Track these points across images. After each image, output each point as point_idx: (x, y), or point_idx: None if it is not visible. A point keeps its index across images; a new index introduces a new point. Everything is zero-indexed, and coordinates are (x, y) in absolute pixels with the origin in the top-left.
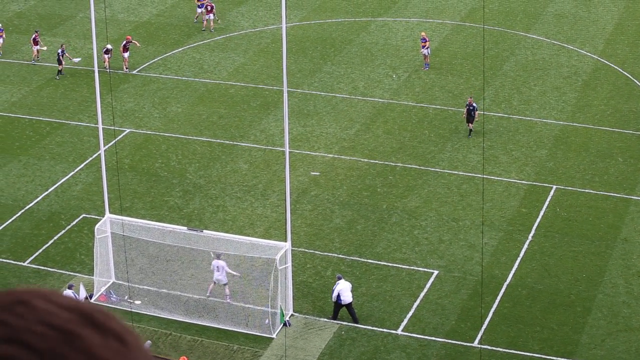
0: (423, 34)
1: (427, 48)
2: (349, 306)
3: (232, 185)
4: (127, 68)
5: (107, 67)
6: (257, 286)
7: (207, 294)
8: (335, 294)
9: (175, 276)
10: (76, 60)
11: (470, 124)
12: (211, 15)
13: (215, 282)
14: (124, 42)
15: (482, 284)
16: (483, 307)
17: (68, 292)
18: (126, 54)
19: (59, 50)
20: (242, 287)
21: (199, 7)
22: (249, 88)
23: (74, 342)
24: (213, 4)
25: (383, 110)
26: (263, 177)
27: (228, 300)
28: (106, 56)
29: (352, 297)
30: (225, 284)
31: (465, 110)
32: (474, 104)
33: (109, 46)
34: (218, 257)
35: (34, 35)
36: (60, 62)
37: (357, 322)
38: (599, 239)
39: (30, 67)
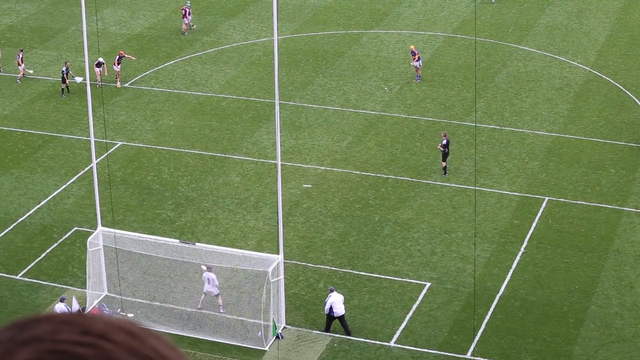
0: (412, 47)
1: (419, 60)
2: (341, 318)
3: (224, 197)
4: (119, 82)
5: (99, 81)
6: (249, 299)
7: (199, 306)
8: (327, 307)
9: (168, 289)
10: (78, 80)
11: (444, 162)
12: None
13: (205, 294)
14: (117, 56)
15: (475, 295)
16: (476, 318)
17: (60, 305)
18: (118, 68)
19: (64, 69)
20: (234, 300)
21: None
22: (240, 101)
23: None
24: (187, 8)
25: (375, 122)
26: (255, 189)
27: (221, 311)
28: (98, 69)
29: (345, 309)
30: (217, 295)
31: (440, 146)
32: (448, 139)
33: (100, 59)
34: (209, 269)
35: (19, 55)
36: (64, 81)
37: (349, 335)
38: (591, 251)
39: (22, 80)
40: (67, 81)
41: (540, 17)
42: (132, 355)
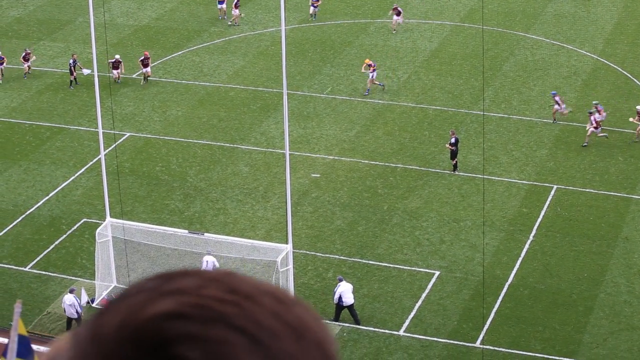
0: (368, 61)
1: (374, 71)
2: (350, 308)
3: (233, 188)
4: (145, 81)
5: (118, 79)
6: None
7: None
8: (336, 296)
9: None
10: (86, 72)
11: (455, 159)
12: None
13: None
14: (142, 57)
15: (484, 284)
16: (485, 307)
17: (69, 297)
18: (146, 69)
19: (71, 61)
20: None
21: (219, 2)
22: (248, 91)
23: (305, 339)
24: None
25: (383, 111)
26: (264, 179)
27: None
28: (115, 72)
29: (354, 298)
30: None
31: (449, 145)
32: (457, 137)
33: (117, 56)
34: (208, 252)
35: (24, 53)
36: (72, 73)
37: (358, 324)
38: (600, 238)
39: (30, 71)
40: (75, 73)
41: (547, 5)
42: (276, 320)
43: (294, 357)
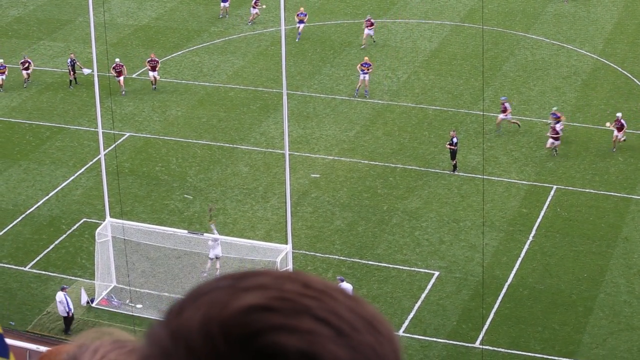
0: (366, 58)
1: (366, 73)
2: None
3: (233, 188)
4: (154, 86)
5: (122, 88)
6: None
7: (205, 274)
8: None
9: (177, 279)
10: (87, 71)
11: (453, 160)
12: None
13: (212, 259)
14: (149, 59)
15: (483, 284)
16: (484, 307)
17: (59, 294)
18: (154, 73)
19: (69, 60)
20: None
21: (222, 0)
22: (248, 91)
23: (379, 332)
24: None
25: (383, 111)
26: (263, 179)
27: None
28: (120, 79)
29: None
30: (218, 258)
31: (449, 145)
32: (456, 137)
33: (117, 60)
34: (215, 240)
35: (22, 60)
36: (71, 72)
37: None
38: (599, 239)
39: (30, 79)
40: (75, 73)
41: (547, 5)
42: (353, 314)
43: (373, 349)
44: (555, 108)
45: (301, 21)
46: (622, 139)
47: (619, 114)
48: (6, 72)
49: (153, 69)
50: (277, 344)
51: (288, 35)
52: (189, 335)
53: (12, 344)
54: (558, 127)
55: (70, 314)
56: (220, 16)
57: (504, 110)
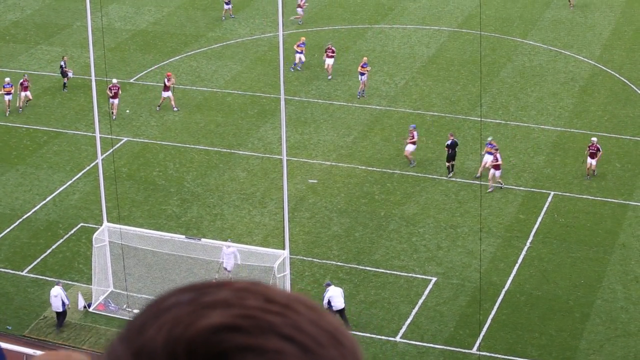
0: (365, 59)
1: (363, 74)
2: (341, 312)
3: (230, 193)
4: (175, 107)
5: (114, 113)
6: None
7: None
8: (325, 301)
9: (174, 285)
10: (70, 73)
11: (452, 162)
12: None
13: (224, 269)
14: (166, 79)
15: (481, 290)
16: (481, 313)
17: (55, 288)
18: (167, 94)
19: (62, 63)
20: None
21: (225, 3)
22: (246, 96)
23: (342, 345)
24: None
25: (380, 117)
26: (261, 185)
27: None
28: (114, 101)
29: (344, 303)
30: (229, 271)
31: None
32: (456, 140)
33: (115, 81)
34: (228, 242)
35: (22, 80)
36: (64, 75)
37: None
38: (597, 245)
39: (27, 76)
40: (68, 76)
41: (545, 12)
42: (315, 327)
43: None
44: (490, 138)
45: (301, 52)
46: (593, 168)
47: (594, 139)
48: (12, 92)
49: (166, 89)
50: None
51: (286, 41)
52: (152, 355)
53: (9, 348)
54: (499, 156)
55: (65, 309)
56: (223, 18)
57: (412, 139)
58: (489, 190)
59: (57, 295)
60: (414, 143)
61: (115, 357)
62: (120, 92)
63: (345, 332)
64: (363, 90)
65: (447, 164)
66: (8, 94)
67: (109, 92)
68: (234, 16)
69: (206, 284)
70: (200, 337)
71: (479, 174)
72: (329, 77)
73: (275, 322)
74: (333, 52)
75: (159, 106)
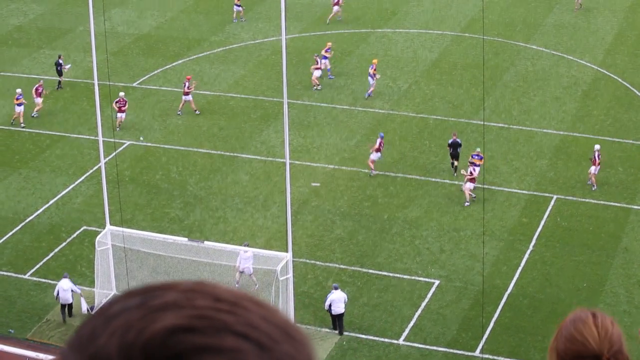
0: (375, 61)
1: (373, 76)
2: (339, 317)
3: (233, 196)
4: (196, 110)
5: (119, 126)
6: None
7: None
8: (327, 303)
9: None
10: (67, 67)
11: (455, 161)
12: (336, 7)
13: (241, 272)
14: (186, 82)
15: (484, 293)
16: (484, 316)
17: (65, 281)
18: (187, 97)
19: (60, 61)
20: None
21: (236, 5)
22: (249, 100)
23: (294, 339)
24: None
25: (383, 121)
26: (264, 188)
27: (257, 287)
28: (121, 115)
29: (345, 308)
30: (250, 274)
31: (448, 146)
32: (458, 140)
33: (121, 94)
34: (245, 245)
35: (37, 85)
36: (60, 74)
37: (341, 334)
38: (599, 249)
39: (30, 80)
40: (63, 74)
41: (548, 16)
42: (267, 323)
43: (293, 358)
44: (478, 149)
45: (325, 57)
46: (595, 175)
47: (597, 146)
48: (24, 103)
49: (186, 93)
50: None
51: (288, 45)
52: None
53: (11, 351)
54: (476, 170)
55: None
56: (235, 20)
57: (378, 148)
58: (466, 204)
59: (67, 289)
60: (378, 150)
61: None
62: (127, 106)
63: (296, 327)
64: (368, 92)
65: (451, 160)
66: (20, 105)
67: (115, 106)
68: (245, 19)
69: (150, 288)
70: (156, 340)
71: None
72: (318, 88)
73: (229, 320)
74: (318, 65)
75: (194, 110)
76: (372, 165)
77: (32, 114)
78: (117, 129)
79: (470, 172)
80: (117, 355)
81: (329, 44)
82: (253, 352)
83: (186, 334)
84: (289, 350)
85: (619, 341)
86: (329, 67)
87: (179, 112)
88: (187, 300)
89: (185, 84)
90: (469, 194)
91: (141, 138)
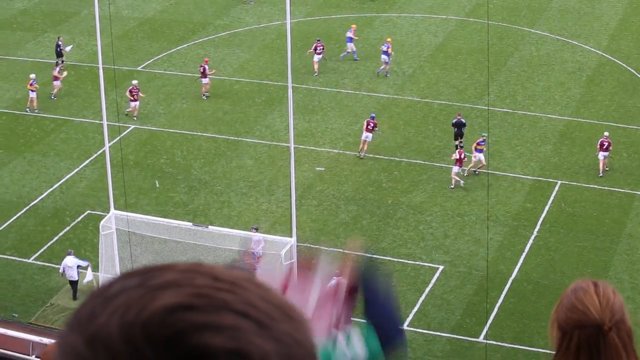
0: (389, 40)
1: (389, 54)
2: None
3: (237, 181)
4: (205, 93)
5: (135, 116)
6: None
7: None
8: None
9: None
10: (69, 48)
11: (456, 140)
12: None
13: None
14: (201, 66)
15: (488, 279)
16: (488, 302)
17: (70, 259)
18: (206, 80)
19: (60, 43)
20: None
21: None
22: (253, 84)
23: (292, 319)
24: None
25: (388, 105)
26: (268, 172)
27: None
28: (135, 104)
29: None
30: (259, 256)
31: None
32: (463, 120)
33: (135, 82)
34: (256, 230)
35: (57, 68)
36: (59, 55)
37: None
38: (603, 234)
39: (35, 64)
40: (67, 50)
41: (552, 1)
42: (266, 302)
43: (292, 336)
44: (484, 134)
45: (350, 39)
46: (605, 162)
47: (606, 133)
48: (37, 89)
49: (204, 75)
50: (204, 344)
51: (293, 29)
52: (108, 342)
53: (15, 335)
54: (462, 153)
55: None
56: (249, 2)
57: (368, 128)
58: (451, 186)
59: (72, 266)
60: (369, 131)
61: (69, 347)
62: (140, 94)
63: (294, 307)
64: (386, 71)
65: (455, 142)
66: (33, 91)
67: (128, 94)
68: (252, 2)
69: (149, 268)
70: (156, 318)
71: (477, 171)
72: (316, 74)
73: (228, 299)
74: (323, 48)
75: (204, 94)
76: (365, 147)
77: (51, 96)
78: (134, 118)
79: (459, 154)
80: (117, 334)
81: (354, 26)
82: (252, 330)
83: (186, 312)
84: (288, 329)
85: (620, 310)
86: (354, 49)
87: (204, 97)
88: (186, 279)
89: (203, 66)
90: (455, 178)
91: (157, 183)
